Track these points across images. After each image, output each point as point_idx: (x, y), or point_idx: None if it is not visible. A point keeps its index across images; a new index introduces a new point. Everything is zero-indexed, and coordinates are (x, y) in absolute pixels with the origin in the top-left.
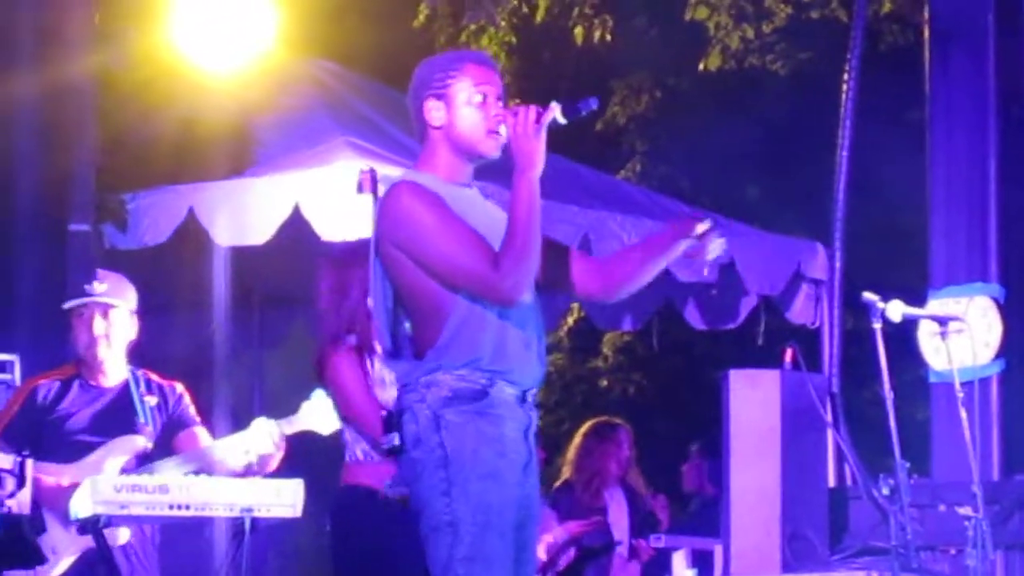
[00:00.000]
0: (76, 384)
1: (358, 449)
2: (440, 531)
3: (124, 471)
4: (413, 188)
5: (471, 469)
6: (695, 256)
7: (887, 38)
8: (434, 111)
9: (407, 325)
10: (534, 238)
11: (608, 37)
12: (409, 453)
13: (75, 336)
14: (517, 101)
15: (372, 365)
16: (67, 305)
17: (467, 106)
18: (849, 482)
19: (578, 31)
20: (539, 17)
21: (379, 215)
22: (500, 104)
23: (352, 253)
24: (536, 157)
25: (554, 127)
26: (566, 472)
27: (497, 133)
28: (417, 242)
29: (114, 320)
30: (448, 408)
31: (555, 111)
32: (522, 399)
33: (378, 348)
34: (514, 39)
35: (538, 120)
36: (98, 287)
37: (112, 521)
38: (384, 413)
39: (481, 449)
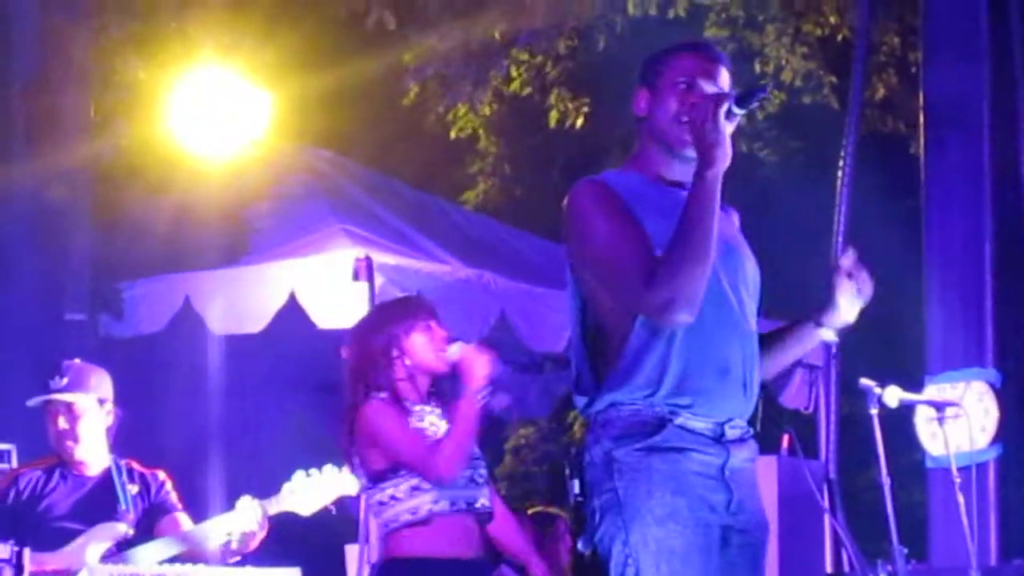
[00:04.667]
0: (58, 473)
1: (403, 510)
2: None
3: (105, 559)
4: (588, 187)
5: (647, 512)
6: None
7: (877, 124)
8: (640, 100)
9: (589, 351)
10: (701, 248)
11: (579, 121)
12: (591, 501)
13: (48, 430)
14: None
15: (409, 413)
16: (30, 403)
17: (669, 94)
18: (847, 568)
19: (553, 115)
20: (513, 88)
21: (564, 220)
22: (711, 95)
23: (365, 322)
24: (717, 152)
25: (730, 119)
26: None
27: (686, 122)
28: (584, 247)
29: (81, 413)
30: (620, 448)
31: (729, 101)
32: (719, 433)
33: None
34: (488, 111)
35: (716, 109)
36: (59, 382)
37: None
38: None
39: (655, 490)
